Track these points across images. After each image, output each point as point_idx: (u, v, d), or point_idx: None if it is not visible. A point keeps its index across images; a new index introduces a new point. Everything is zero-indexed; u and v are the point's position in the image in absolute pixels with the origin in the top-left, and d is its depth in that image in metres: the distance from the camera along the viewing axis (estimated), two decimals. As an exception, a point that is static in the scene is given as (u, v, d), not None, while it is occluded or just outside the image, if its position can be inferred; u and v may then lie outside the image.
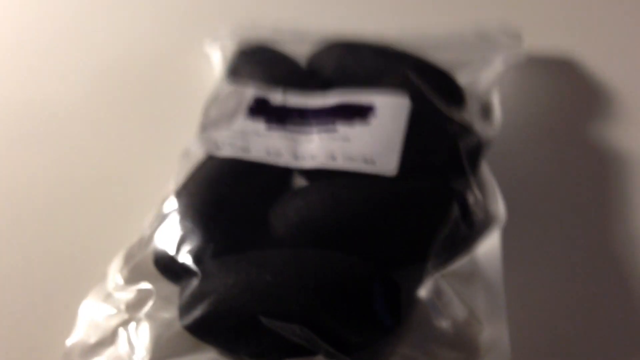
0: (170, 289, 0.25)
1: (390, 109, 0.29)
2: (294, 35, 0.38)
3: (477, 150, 0.29)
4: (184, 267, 0.25)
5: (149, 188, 0.30)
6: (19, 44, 0.44)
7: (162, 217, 0.27)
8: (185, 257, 0.25)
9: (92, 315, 0.25)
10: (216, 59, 0.37)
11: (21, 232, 0.31)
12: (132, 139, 0.35)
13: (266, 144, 0.29)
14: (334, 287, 0.23)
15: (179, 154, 0.30)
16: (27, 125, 0.37)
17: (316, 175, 0.28)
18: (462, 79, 0.34)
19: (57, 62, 0.42)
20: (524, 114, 0.34)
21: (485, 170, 0.29)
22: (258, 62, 0.34)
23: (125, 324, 0.24)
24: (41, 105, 0.38)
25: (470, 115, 0.32)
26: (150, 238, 0.27)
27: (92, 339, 0.24)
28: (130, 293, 0.25)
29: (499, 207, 0.27)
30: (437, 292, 0.24)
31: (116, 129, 0.36)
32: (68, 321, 0.26)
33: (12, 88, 0.40)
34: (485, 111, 0.32)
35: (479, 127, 0.31)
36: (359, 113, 0.29)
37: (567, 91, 0.36)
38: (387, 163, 0.27)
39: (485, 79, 0.34)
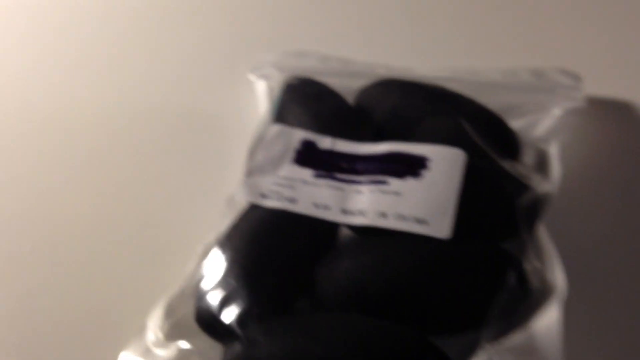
0: (213, 347, 0.24)
1: (444, 162, 0.28)
2: (342, 66, 0.37)
3: (534, 210, 0.28)
4: (227, 329, 0.24)
5: (190, 234, 0.29)
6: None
7: (204, 270, 0.26)
8: (230, 319, 0.24)
9: (131, 373, 0.24)
10: (260, 88, 0.36)
11: (59, 274, 0.30)
12: (173, 180, 0.34)
13: (314, 195, 0.28)
14: (384, 362, 0.22)
15: (222, 197, 0.29)
16: (68, 166, 0.36)
17: (365, 231, 0.27)
18: (516, 124, 0.33)
19: (97, 95, 0.41)
20: (584, 168, 0.32)
21: (542, 232, 0.27)
22: (306, 97, 0.33)
23: (166, 384, 0.24)
24: (83, 143, 0.37)
25: (526, 167, 0.30)
26: (192, 292, 0.26)
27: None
28: (170, 350, 0.24)
29: (558, 277, 0.25)
30: (488, 367, 0.23)
31: (156, 169, 0.35)
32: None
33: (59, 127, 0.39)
34: (542, 163, 0.31)
35: (536, 182, 0.29)
36: (411, 165, 0.28)
37: (631, 141, 0.34)
38: (441, 225, 0.26)
39: (542, 126, 0.33)
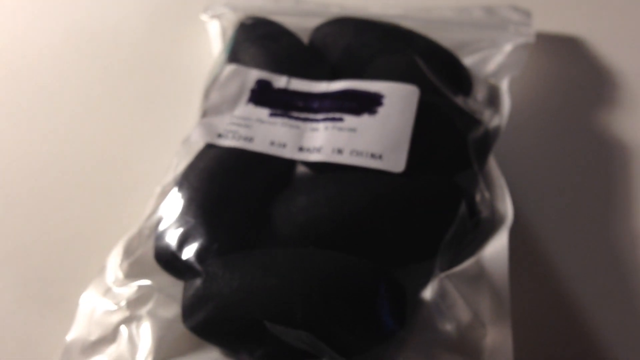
0: (172, 284, 0.25)
1: (398, 99, 0.28)
2: (294, 5, 0.36)
3: (485, 144, 0.29)
4: (187, 265, 0.24)
5: (147, 175, 0.29)
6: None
7: (163, 209, 0.26)
8: (189, 255, 0.24)
9: (92, 310, 0.25)
10: (214, 29, 0.36)
11: (17, 219, 0.30)
12: (128, 122, 0.34)
13: (270, 134, 0.28)
14: (340, 292, 0.23)
15: (178, 138, 0.29)
16: (22, 114, 0.35)
17: (321, 167, 0.27)
18: (468, 60, 0.33)
19: (49, 42, 0.39)
20: (531, 102, 0.33)
21: (493, 164, 0.28)
22: (260, 37, 0.32)
23: (126, 321, 0.24)
24: (36, 91, 0.36)
25: (477, 103, 0.31)
26: (151, 231, 0.26)
27: (93, 336, 0.24)
28: (131, 289, 0.25)
29: (507, 207, 0.26)
30: (441, 294, 0.24)
31: (110, 112, 0.34)
32: (66, 314, 0.25)
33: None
34: (493, 98, 0.31)
35: (486, 116, 0.30)
36: (367, 102, 0.28)
37: (578, 76, 0.35)
38: (395, 160, 0.26)
39: (493, 61, 0.33)
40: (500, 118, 0.30)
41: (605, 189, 0.30)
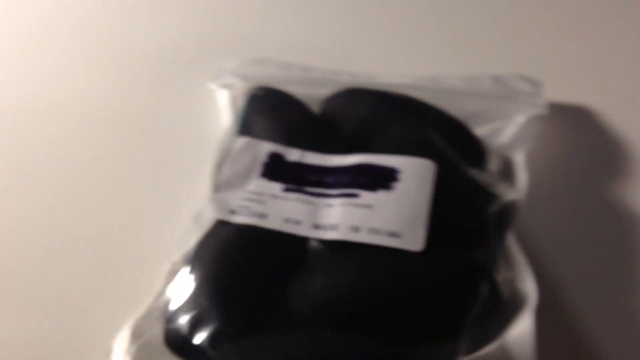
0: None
1: (414, 174, 0.28)
2: (303, 73, 0.36)
3: (503, 219, 0.28)
4: (199, 350, 0.23)
5: (157, 252, 0.28)
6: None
7: (172, 289, 0.25)
8: (202, 340, 0.23)
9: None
10: (222, 98, 0.35)
11: (17, 297, 0.29)
12: (134, 195, 0.33)
13: (284, 210, 0.27)
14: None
15: (186, 213, 0.28)
16: (27, 181, 0.34)
17: (336, 245, 0.26)
18: (479, 131, 0.33)
19: (52, 98, 0.39)
20: (549, 174, 0.33)
21: (512, 241, 0.28)
22: (271, 108, 0.32)
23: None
24: (42, 160, 0.35)
25: (492, 176, 0.30)
26: (160, 313, 0.25)
27: None
28: (140, 375, 0.24)
29: (530, 285, 0.26)
30: (464, 380, 0.23)
31: (117, 184, 0.33)
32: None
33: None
34: (507, 171, 0.31)
35: (502, 190, 0.29)
36: (382, 177, 0.28)
37: (593, 144, 0.35)
38: (414, 237, 0.26)
39: (506, 133, 0.33)
40: (516, 192, 0.29)
41: (626, 260, 0.29)
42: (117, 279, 0.29)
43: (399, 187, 0.27)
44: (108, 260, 0.30)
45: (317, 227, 0.27)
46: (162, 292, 0.26)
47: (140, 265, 0.29)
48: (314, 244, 0.27)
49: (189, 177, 0.32)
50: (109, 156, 0.35)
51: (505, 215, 0.28)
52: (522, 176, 0.30)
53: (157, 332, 0.25)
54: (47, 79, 0.40)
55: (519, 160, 0.31)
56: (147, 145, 0.36)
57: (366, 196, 0.27)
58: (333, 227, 0.26)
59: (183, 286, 0.25)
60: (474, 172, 0.30)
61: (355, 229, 0.26)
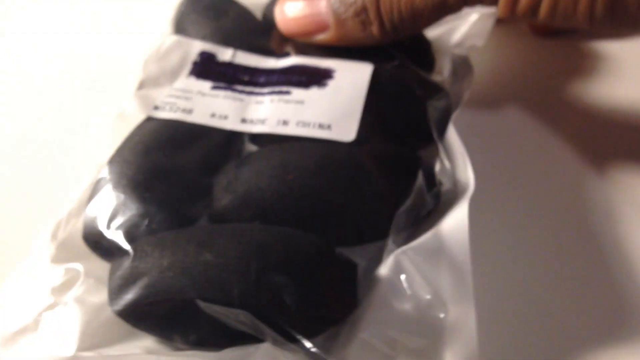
0: (104, 268, 0.23)
1: (350, 73, 0.26)
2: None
3: (446, 113, 0.27)
4: (115, 244, 0.22)
5: (82, 154, 0.27)
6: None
7: (94, 188, 0.24)
8: (117, 233, 0.22)
9: (14, 299, 0.22)
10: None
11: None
12: (62, 98, 0.31)
13: (211, 106, 0.26)
14: (281, 268, 0.21)
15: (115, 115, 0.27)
16: None
17: (267, 142, 0.25)
18: (434, 32, 0.31)
19: None
20: (496, 70, 0.31)
21: (453, 134, 0.26)
22: (207, 9, 0.30)
23: (50, 308, 0.22)
24: None
25: (440, 74, 0.29)
26: (80, 211, 0.24)
27: (14, 326, 0.22)
28: (56, 274, 0.22)
29: (468, 176, 0.24)
30: (397, 270, 0.22)
31: (44, 87, 0.32)
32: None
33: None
34: (456, 68, 0.30)
35: (449, 86, 0.28)
36: (316, 75, 0.26)
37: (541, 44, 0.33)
38: (345, 129, 0.24)
39: (459, 32, 0.31)
40: (461, 87, 0.28)
41: (570, 160, 0.28)
42: (43, 184, 0.28)
43: (333, 84, 0.26)
44: (38, 165, 0.29)
45: (244, 121, 0.25)
46: (84, 191, 0.25)
47: (69, 169, 0.28)
48: (248, 147, 0.26)
49: (119, 79, 0.30)
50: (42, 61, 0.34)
51: (450, 111, 0.27)
52: (468, 72, 0.29)
53: (76, 230, 0.24)
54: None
55: (467, 56, 0.29)
56: (78, 47, 0.34)
57: (298, 93, 0.26)
58: (261, 121, 0.25)
59: (103, 183, 0.24)
60: (420, 69, 0.28)
61: (284, 122, 0.25)
